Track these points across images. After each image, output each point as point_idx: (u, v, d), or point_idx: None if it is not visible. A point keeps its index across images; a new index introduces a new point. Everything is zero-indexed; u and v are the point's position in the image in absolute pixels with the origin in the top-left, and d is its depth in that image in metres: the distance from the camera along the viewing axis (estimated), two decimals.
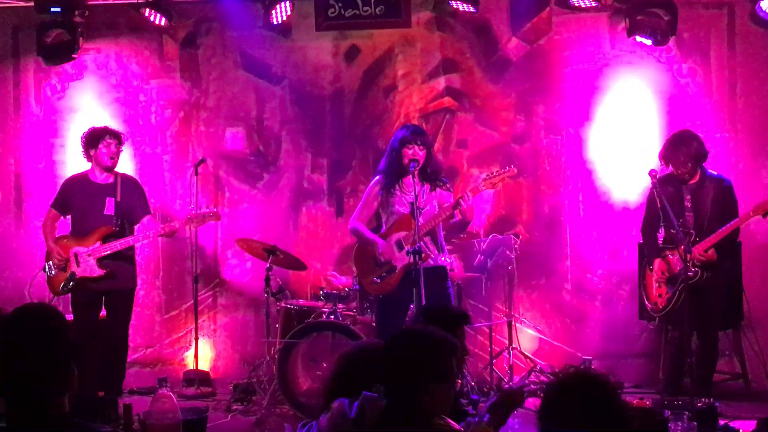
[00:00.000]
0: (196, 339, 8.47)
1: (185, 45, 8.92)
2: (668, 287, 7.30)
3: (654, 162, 7.66)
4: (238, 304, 8.91)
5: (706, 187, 7.28)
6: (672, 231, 7.10)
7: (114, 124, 8.62)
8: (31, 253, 8.83)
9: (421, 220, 6.61)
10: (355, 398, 3.40)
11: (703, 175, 7.33)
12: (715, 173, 7.43)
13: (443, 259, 6.93)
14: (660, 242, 7.46)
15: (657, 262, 7.36)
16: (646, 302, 7.60)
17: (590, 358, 6.78)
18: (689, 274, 6.92)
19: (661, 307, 7.38)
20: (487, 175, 6.83)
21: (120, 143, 7.64)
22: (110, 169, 7.64)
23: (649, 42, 8.13)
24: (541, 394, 7.69)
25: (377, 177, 7.06)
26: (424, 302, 6.12)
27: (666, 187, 7.28)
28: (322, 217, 8.89)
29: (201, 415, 5.18)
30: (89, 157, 7.66)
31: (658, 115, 8.54)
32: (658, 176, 7.27)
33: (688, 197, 7.30)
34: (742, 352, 8.13)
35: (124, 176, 7.81)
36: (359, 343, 3.74)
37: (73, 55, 8.47)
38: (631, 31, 8.23)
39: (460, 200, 6.64)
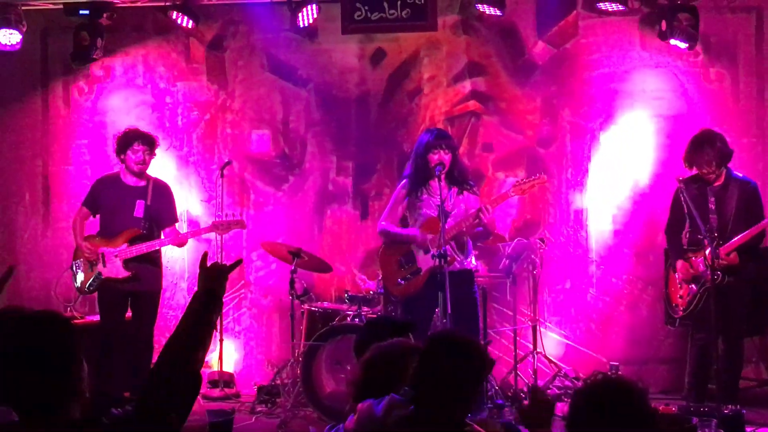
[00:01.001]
0: (221, 340, 8.50)
1: (212, 47, 8.95)
2: (690, 288, 7.25)
3: (680, 165, 7.63)
4: (262, 307, 8.93)
5: (731, 188, 7.22)
6: (699, 236, 7.04)
7: (140, 126, 8.70)
8: (58, 253, 8.89)
9: (448, 223, 6.61)
10: (381, 399, 3.40)
11: (728, 176, 7.26)
12: (741, 175, 7.37)
13: (469, 262, 6.92)
14: (684, 244, 7.41)
15: (679, 263, 7.31)
16: (669, 305, 7.55)
17: (617, 363, 6.73)
18: (714, 276, 6.86)
19: (681, 308, 7.33)
20: (517, 182, 6.83)
21: (151, 149, 7.68)
22: (138, 175, 7.69)
23: (684, 46, 8.09)
24: (567, 399, 7.75)
25: (403, 181, 7.07)
26: (449, 306, 6.11)
27: (690, 189, 7.23)
28: (347, 220, 8.90)
29: (227, 417, 5.19)
30: (120, 159, 7.72)
31: (685, 120, 8.50)
32: (684, 179, 7.24)
33: (713, 199, 7.23)
34: None
35: (157, 180, 7.86)
36: (387, 343, 3.72)
37: (93, 57, 8.50)
38: (666, 35, 8.18)
39: (480, 213, 6.63)
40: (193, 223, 8.77)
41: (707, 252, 6.83)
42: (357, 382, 3.65)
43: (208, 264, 3.18)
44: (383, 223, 7.10)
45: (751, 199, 7.21)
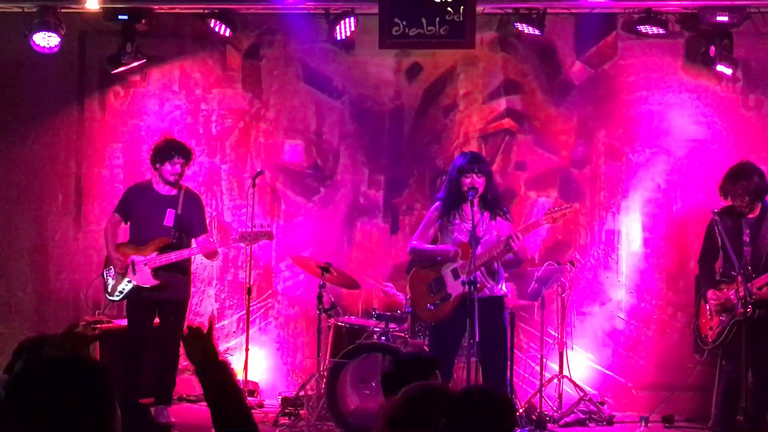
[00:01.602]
0: (247, 349, 8.49)
1: (248, 56, 8.95)
2: (720, 320, 7.19)
3: (714, 191, 7.56)
4: (289, 317, 8.93)
5: (766, 222, 7.15)
6: (732, 271, 6.97)
7: (174, 132, 8.76)
8: (89, 255, 8.93)
9: (479, 249, 6.58)
10: None
11: (764, 208, 7.19)
12: None
13: (500, 289, 6.87)
14: (717, 275, 7.35)
15: (711, 293, 7.24)
16: (699, 335, 7.49)
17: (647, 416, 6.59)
18: (747, 310, 6.80)
19: (711, 340, 7.27)
20: (549, 210, 6.77)
21: (188, 162, 7.73)
22: (172, 185, 7.72)
23: (727, 71, 8.02)
24: (592, 425, 7.71)
25: (437, 203, 7.04)
26: (477, 333, 6.08)
27: (725, 221, 7.17)
28: (377, 234, 8.88)
29: None
30: (155, 168, 7.74)
31: (721, 146, 8.42)
32: (719, 210, 7.18)
33: (747, 231, 7.17)
34: None
35: (188, 190, 7.89)
36: (426, 384, 3.69)
37: (122, 61, 8.52)
38: (709, 60, 8.12)
39: (510, 241, 6.58)
40: (222, 231, 8.78)
41: (740, 287, 6.76)
42: (387, 423, 3.61)
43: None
44: (415, 241, 7.06)
45: None
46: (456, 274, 6.77)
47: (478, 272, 6.53)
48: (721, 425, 7.29)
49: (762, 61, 8.39)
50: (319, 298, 7.65)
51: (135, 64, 8.56)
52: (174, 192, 7.76)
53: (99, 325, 8.20)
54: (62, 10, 8.42)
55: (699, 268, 7.57)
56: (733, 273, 6.95)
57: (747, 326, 6.80)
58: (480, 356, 6.29)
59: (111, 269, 7.75)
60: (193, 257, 7.95)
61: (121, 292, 7.68)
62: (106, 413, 2.94)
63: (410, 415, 3.53)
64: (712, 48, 8.02)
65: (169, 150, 7.68)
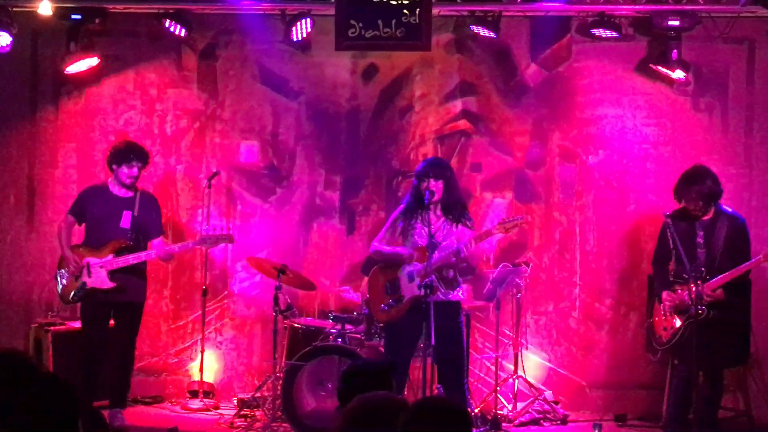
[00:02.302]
0: (202, 350, 8.49)
1: (204, 56, 8.90)
2: (674, 321, 7.29)
3: (667, 192, 7.68)
4: (245, 318, 8.90)
5: (720, 224, 7.26)
6: (684, 274, 7.08)
7: (128, 132, 8.69)
8: (41, 257, 8.84)
9: (436, 255, 6.62)
10: None
11: (718, 211, 7.31)
12: (730, 210, 7.41)
13: (456, 294, 6.91)
14: (671, 275, 7.45)
15: (665, 294, 7.34)
16: (653, 334, 7.59)
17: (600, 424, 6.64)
18: (699, 311, 6.91)
19: (665, 340, 7.37)
20: (502, 221, 6.83)
21: (144, 166, 7.70)
22: (128, 187, 7.67)
23: (677, 75, 8.17)
24: (546, 424, 7.79)
25: (400, 207, 7.08)
26: (433, 337, 6.11)
27: (679, 223, 7.27)
28: (333, 235, 8.88)
29: None
30: (111, 169, 7.69)
31: (673, 147, 8.55)
32: (671, 213, 7.28)
33: (701, 233, 7.28)
34: (747, 389, 8.14)
35: (144, 192, 7.86)
36: (371, 397, 3.68)
37: (66, 60, 8.44)
38: (649, 61, 8.30)
39: (458, 250, 6.63)
40: (178, 232, 8.73)
41: (692, 289, 6.87)
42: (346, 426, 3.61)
43: None
44: (376, 243, 7.08)
45: (739, 235, 7.25)
46: (411, 277, 6.80)
47: (435, 277, 6.55)
48: (674, 424, 7.39)
49: (712, 65, 8.53)
50: (275, 299, 7.65)
51: (80, 62, 8.46)
52: (130, 194, 7.72)
53: (52, 328, 8.14)
54: (14, 9, 8.32)
55: (653, 269, 7.67)
56: (684, 275, 7.05)
57: (699, 327, 6.90)
58: (436, 359, 6.32)
59: (64, 271, 7.68)
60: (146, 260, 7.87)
61: (75, 295, 7.61)
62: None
63: (359, 428, 3.54)
64: (659, 51, 8.15)
65: (128, 153, 7.64)
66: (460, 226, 6.92)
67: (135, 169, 7.62)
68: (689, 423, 7.21)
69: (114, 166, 7.66)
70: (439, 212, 6.83)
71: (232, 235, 7.99)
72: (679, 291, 7.23)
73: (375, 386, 3.81)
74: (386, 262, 7.03)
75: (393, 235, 7.04)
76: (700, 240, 7.25)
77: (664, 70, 8.27)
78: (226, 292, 8.89)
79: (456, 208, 6.95)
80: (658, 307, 7.47)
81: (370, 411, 3.52)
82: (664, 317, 7.37)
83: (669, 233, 7.11)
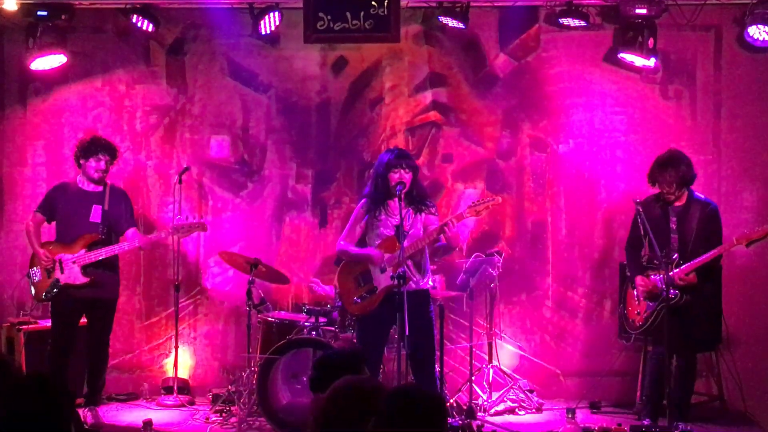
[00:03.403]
0: (176, 347, 8.46)
1: (172, 51, 8.85)
2: (647, 305, 7.34)
3: (637, 180, 7.72)
4: (218, 313, 8.88)
5: (692, 210, 7.31)
6: (655, 261, 7.13)
7: (98, 129, 8.64)
8: (12, 256, 8.78)
9: (405, 243, 6.62)
10: None
11: (690, 197, 7.35)
12: (702, 197, 7.45)
13: (426, 282, 6.92)
14: (644, 261, 7.49)
15: (638, 279, 7.39)
16: (626, 320, 7.63)
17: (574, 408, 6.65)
18: (670, 295, 6.96)
19: (638, 324, 7.41)
20: (472, 204, 6.81)
21: (112, 160, 7.65)
22: (97, 182, 7.63)
23: (643, 62, 8.20)
24: (521, 412, 7.83)
25: (363, 200, 7.04)
26: (407, 326, 6.11)
27: (653, 209, 7.32)
28: (306, 228, 8.87)
29: None
30: (78, 165, 7.64)
31: (643, 135, 8.59)
32: (643, 200, 7.32)
33: (674, 219, 7.33)
34: (720, 374, 8.21)
35: (113, 186, 7.81)
36: (345, 384, 3.69)
37: (29, 57, 8.38)
38: (617, 50, 8.34)
39: (445, 227, 6.62)
40: (149, 228, 8.68)
41: (663, 275, 6.92)
42: (317, 423, 3.62)
43: None
44: (342, 242, 7.05)
45: (711, 220, 7.31)
46: (383, 268, 6.80)
47: (405, 266, 6.55)
48: (648, 409, 7.44)
49: (680, 53, 8.57)
50: (249, 293, 7.64)
51: (43, 59, 8.39)
52: (99, 189, 7.68)
53: (24, 327, 8.08)
54: None
55: (626, 255, 7.71)
56: (656, 261, 7.10)
57: (671, 312, 6.95)
58: (409, 350, 6.32)
59: (36, 269, 7.62)
60: (120, 254, 7.82)
61: (48, 292, 7.55)
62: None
63: (339, 412, 3.55)
64: (625, 39, 8.19)
65: (94, 146, 7.60)
66: (424, 214, 6.91)
67: (102, 163, 7.58)
68: (663, 407, 7.26)
69: (81, 161, 7.62)
70: (404, 202, 6.81)
71: (204, 223, 7.95)
72: (652, 276, 7.28)
73: (347, 373, 3.82)
74: (354, 261, 7.01)
75: (358, 230, 7.00)
76: (673, 226, 7.31)
77: (631, 58, 8.28)
78: (198, 288, 8.87)
79: (420, 196, 6.96)
80: (631, 292, 7.51)
81: (351, 393, 3.54)
82: (637, 302, 7.41)
83: (639, 219, 7.15)
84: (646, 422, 7.24)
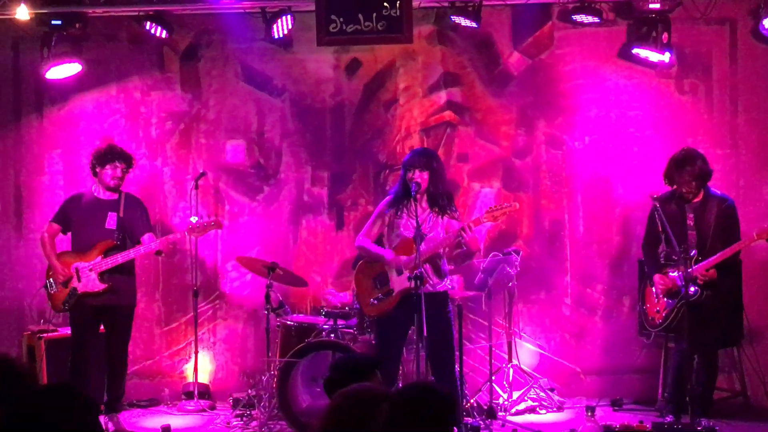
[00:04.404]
0: (196, 352, 8.48)
1: (186, 57, 8.88)
2: (666, 303, 7.31)
3: (654, 176, 7.69)
4: (237, 317, 8.90)
5: (709, 206, 7.28)
6: (674, 257, 7.10)
7: (113, 137, 8.67)
8: (31, 264, 8.81)
9: (423, 246, 6.59)
10: None
11: (707, 194, 7.33)
12: (719, 192, 7.43)
13: (444, 285, 6.89)
14: (662, 258, 7.46)
15: (657, 277, 7.36)
16: (645, 318, 7.60)
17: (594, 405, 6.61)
18: (690, 292, 6.93)
19: (658, 322, 7.39)
20: (490, 208, 6.79)
21: (128, 168, 7.68)
22: (113, 190, 7.66)
23: (658, 57, 8.14)
24: (542, 411, 7.79)
25: (387, 198, 7.04)
26: (425, 328, 6.09)
27: (669, 206, 7.29)
28: (323, 231, 8.87)
29: None
30: (94, 173, 7.67)
31: (659, 131, 8.55)
32: (659, 196, 7.29)
33: (691, 216, 7.30)
34: (742, 369, 8.15)
35: (128, 194, 7.83)
36: (353, 390, 3.67)
37: (44, 67, 8.40)
38: (631, 45, 8.29)
39: (462, 232, 6.59)
40: (167, 234, 8.65)
41: (682, 272, 6.87)
42: (323, 429, 3.61)
43: None
44: (362, 238, 7.04)
45: (729, 216, 7.28)
46: (399, 270, 6.78)
47: (423, 268, 6.53)
48: (671, 406, 7.40)
49: (695, 46, 8.52)
50: (267, 297, 7.65)
51: (59, 68, 8.42)
52: (114, 197, 7.70)
53: (45, 335, 8.12)
54: None
55: (643, 253, 7.69)
56: (674, 257, 7.07)
57: (694, 307, 6.91)
58: (428, 350, 6.31)
59: (53, 279, 7.64)
60: (136, 259, 7.83)
61: (67, 301, 7.58)
62: None
63: (338, 422, 3.55)
64: (638, 34, 8.15)
65: (110, 154, 7.63)
66: (446, 217, 6.88)
67: (118, 171, 7.60)
68: (685, 404, 7.22)
69: (97, 169, 7.64)
70: (425, 204, 6.81)
71: (220, 220, 7.97)
72: (671, 273, 7.25)
73: (361, 379, 3.81)
74: (370, 259, 7.00)
75: (377, 227, 7.00)
76: (690, 222, 7.28)
77: (646, 53, 8.24)
78: (217, 293, 8.88)
79: (442, 199, 6.90)
80: (650, 290, 7.48)
81: (353, 404, 3.53)
82: (656, 300, 7.39)
83: (657, 215, 7.12)
84: (668, 419, 7.22)
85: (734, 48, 8.51)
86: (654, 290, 7.40)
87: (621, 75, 8.59)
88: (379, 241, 7.05)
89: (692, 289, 6.99)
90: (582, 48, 8.63)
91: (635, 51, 8.33)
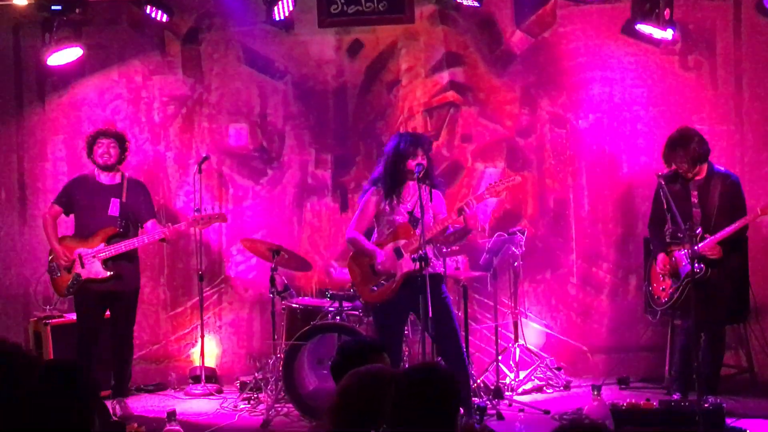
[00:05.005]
0: (202, 336, 8.49)
1: (187, 41, 8.85)
2: (672, 282, 7.29)
3: (659, 153, 7.63)
4: (243, 301, 8.90)
5: (713, 183, 7.24)
6: (679, 234, 7.08)
7: (116, 121, 8.67)
8: (36, 250, 8.82)
9: (426, 225, 6.54)
10: None
11: (710, 171, 7.28)
12: (722, 169, 7.38)
13: (440, 266, 6.88)
14: (667, 237, 7.43)
15: (661, 256, 7.34)
16: (651, 297, 7.58)
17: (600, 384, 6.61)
18: (695, 270, 6.90)
19: (663, 301, 7.37)
20: (491, 184, 6.75)
21: (118, 143, 7.65)
22: (108, 168, 7.64)
23: (661, 33, 8.06)
24: (549, 390, 7.79)
25: (372, 188, 6.93)
26: (430, 309, 6.07)
27: (673, 184, 7.26)
28: (327, 213, 8.86)
29: None
30: (90, 159, 7.67)
31: (663, 107, 8.50)
32: (664, 174, 7.25)
33: (695, 193, 7.26)
34: (749, 346, 8.13)
35: (131, 178, 7.82)
36: (364, 370, 3.68)
37: (46, 53, 8.36)
38: (635, 22, 8.22)
39: (465, 207, 6.55)
40: (171, 219, 8.68)
41: (688, 249, 6.83)
42: (334, 410, 3.61)
43: None
44: (352, 231, 6.97)
45: (733, 192, 7.24)
46: (399, 253, 6.72)
47: (428, 249, 6.50)
48: (677, 384, 7.39)
49: (699, 22, 8.45)
50: (272, 281, 7.64)
51: (60, 53, 8.37)
52: (117, 181, 7.69)
53: (51, 321, 8.13)
54: None
55: (649, 232, 7.66)
56: (680, 235, 7.04)
57: (699, 285, 6.89)
58: (434, 332, 6.30)
59: (56, 264, 7.64)
60: (142, 246, 7.84)
61: (70, 287, 7.58)
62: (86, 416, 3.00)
63: (348, 405, 3.55)
64: (641, 11, 8.06)
65: (93, 136, 7.64)
66: (433, 191, 6.81)
67: (104, 146, 7.57)
68: (692, 382, 7.22)
69: (91, 156, 7.64)
70: (423, 186, 6.72)
71: (224, 214, 8.02)
72: (676, 251, 7.22)
73: (368, 363, 3.81)
74: (361, 253, 6.96)
75: (367, 219, 6.91)
76: (694, 200, 7.24)
77: (649, 29, 8.18)
78: (222, 277, 8.88)
79: (431, 176, 6.88)
80: (655, 268, 7.46)
81: (363, 384, 3.54)
82: (662, 278, 7.37)
83: (662, 194, 7.08)
84: (675, 396, 7.21)
85: (738, 23, 8.43)
86: (659, 269, 7.38)
87: (625, 52, 8.53)
88: (371, 232, 6.99)
89: (697, 266, 6.96)
90: (585, 26, 8.57)
91: (638, 26, 8.25)
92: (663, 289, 7.37)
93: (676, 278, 7.18)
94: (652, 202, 7.52)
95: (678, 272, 7.16)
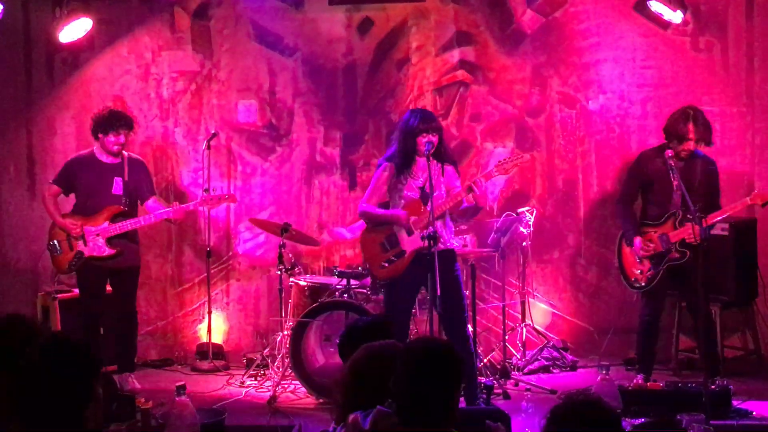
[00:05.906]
0: (209, 312, 8.52)
1: (197, 16, 8.83)
2: (650, 265, 7.24)
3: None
4: (250, 277, 8.91)
5: (695, 165, 7.20)
6: (688, 215, 7.00)
7: (125, 97, 8.66)
8: (45, 225, 8.75)
9: (435, 201, 6.50)
10: (369, 411, 3.40)
11: (692, 153, 7.23)
12: (702, 153, 7.32)
13: (453, 242, 6.86)
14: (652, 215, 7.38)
15: (638, 240, 7.28)
16: (626, 278, 7.51)
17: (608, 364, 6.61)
18: (676, 255, 6.93)
19: (643, 284, 7.32)
20: (500, 162, 6.72)
21: (130, 132, 7.65)
22: (115, 154, 7.64)
23: (673, 14, 8.03)
24: (555, 371, 7.78)
25: (384, 164, 6.91)
26: (439, 287, 6.06)
27: (654, 162, 7.22)
28: (335, 190, 8.86)
29: (218, 417, 5.15)
30: (96, 137, 7.65)
31: (674, 88, 8.46)
32: (647, 150, 7.26)
33: (677, 175, 7.18)
34: (756, 328, 8.12)
35: (131, 156, 7.81)
36: (377, 346, 3.69)
37: (56, 27, 8.35)
38: (655, 3, 8.16)
39: (473, 185, 6.52)
40: (179, 195, 8.70)
41: (693, 229, 6.73)
42: (345, 385, 3.63)
43: None
44: (365, 205, 6.96)
45: (713, 176, 7.24)
46: (410, 230, 6.72)
47: (438, 225, 6.49)
48: (644, 365, 7.40)
49: (711, 3, 8.40)
50: (280, 258, 7.64)
51: (71, 27, 8.35)
52: (117, 160, 7.68)
53: (59, 295, 8.16)
54: None
55: (619, 210, 7.62)
56: (689, 216, 6.92)
57: (678, 269, 6.98)
58: (442, 309, 6.30)
59: (56, 242, 7.64)
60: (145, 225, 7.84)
61: (72, 264, 7.60)
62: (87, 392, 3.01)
63: (360, 381, 3.57)
64: None
65: (113, 120, 7.57)
66: (446, 172, 6.82)
67: (122, 137, 7.57)
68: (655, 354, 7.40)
69: (100, 135, 7.60)
70: (432, 161, 6.68)
71: (234, 195, 8.02)
72: (653, 234, 7.19)
73: (375, 341, 3.82)
74: (377, 223, 6.94)
75: (380, 194, 6.87)
76: (675, 182, 7.17)
77: (661, 10, 8.14)
78: (230, 253, 8.89)
79: (445, 156, 6.84)
80: (627, 250, 7.40)
81: (375, 359, 3.55)
82: (638, 262, 7.31)
83: (672, 173, 7.00)
84: (639, 379, 7.20)
85: (750, 5, 8.38)
86: (634, 251, 7.31)
87: (636, 32, 8.49)
88: (383, 207, 6.96)
89: (678, 252, 6.98)
90: (596, 5, 8.53)
91: (650, 3, 8.20)
92: (641, 273, 7.30)
93: (657, 262, 7.15)
94: (630, 175, 7.48)
95: (658, 255, 7.14)
